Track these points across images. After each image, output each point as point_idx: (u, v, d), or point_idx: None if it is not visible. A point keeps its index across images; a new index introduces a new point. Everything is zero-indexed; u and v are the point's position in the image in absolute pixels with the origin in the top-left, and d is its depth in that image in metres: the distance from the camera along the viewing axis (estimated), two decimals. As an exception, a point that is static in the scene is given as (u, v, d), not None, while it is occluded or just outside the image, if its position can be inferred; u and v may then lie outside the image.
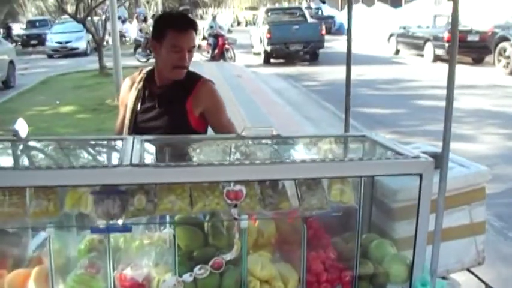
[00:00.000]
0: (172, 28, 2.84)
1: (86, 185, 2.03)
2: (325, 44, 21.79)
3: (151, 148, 2.41)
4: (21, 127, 2.40)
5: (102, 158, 2.71)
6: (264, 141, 2.56)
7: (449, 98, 2.15)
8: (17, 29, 38.83)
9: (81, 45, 27.68)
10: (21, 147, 2.49)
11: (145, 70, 3.07)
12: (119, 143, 2.39)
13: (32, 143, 2.54)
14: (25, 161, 2.48)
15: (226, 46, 22.10)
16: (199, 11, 61.98)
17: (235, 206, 2.08)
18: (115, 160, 2.18)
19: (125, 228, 2.13)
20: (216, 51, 22.08)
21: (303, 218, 2.21)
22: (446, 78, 2.15)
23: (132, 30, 27.80)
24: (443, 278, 2.64)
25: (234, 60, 21.84)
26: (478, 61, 18.38)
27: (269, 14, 23.19)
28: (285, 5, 45.12)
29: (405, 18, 24.43)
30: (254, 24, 28.80)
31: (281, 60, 21.50)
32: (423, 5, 26.87)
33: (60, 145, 2.57)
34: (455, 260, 2.74)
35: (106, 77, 16.60)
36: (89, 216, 2.11)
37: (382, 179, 2.55)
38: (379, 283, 2.33)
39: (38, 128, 9.50)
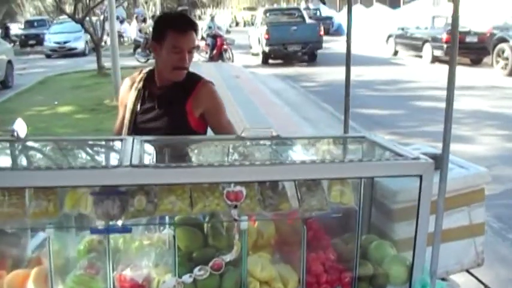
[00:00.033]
0: (172, 29, 2.84)
1: (86, 185, 2.03)
2: (324, 45, 21.83)
3: (151, 149, 2.41)
4: (20, 127, 2.39)
5: (102, 158, 2.71)
6: (263, 142, 2.55)
7: (450, 99, 2.15)
8: (15, 29, 38.80)
9: (80, 45, 27.65)
10: (20, 147, 2.48)
11: (145, 70, 3.07)
12: (118, 144, 2.39)
13: (31, 143, 2.53)
14: (24, 162, 2.48)
15: (225, 47, 22.09)
16: (198, 12, 61.93)
17: (235, 207, 2.07)
18: (115, 161, 2.17)
19: (125, 229, 2.13)
20: (215, 51, 22.07)
21: (303, 219, 2.21)
22: (447, 80, 2.15)
23: (132, 30, 27.80)
24: (443, 279, 2.64)
25: (233, 61, 21.83)
26: (476, 62, 18.40)
27: (267, 14, 23.18)
28: (284, 5, 45.12)
29: (403, 19, 24.45)
30: (252, 24, 28.77)
31: (279, 61, 21.50)
32: (421, 6, 26.90)
33: (59, 145, 2.57)
34: (454, 261, 2.74)
35: (104, 77, 16.58)
36: (88, 217, 2.10)
37: (381, 180, 2.55)
38: (378, 284, 2.33)
39: (36, 128, 9.49)
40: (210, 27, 22.89)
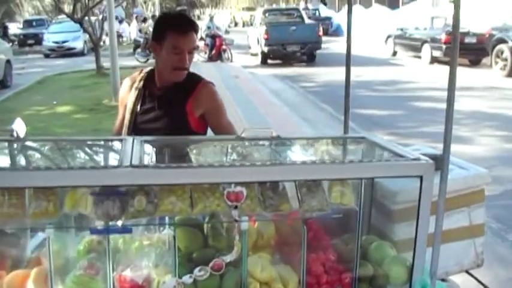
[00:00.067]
0: (173, 29, 2.83)
1: (86, 185, 2.02)
2: (322, 45, 21.85)
3: (151, 149, 2.40)
4: (19, 127, 2.39)
5: (102, 158, 2.70)
6: (263, 142, 2.55)
7: (450, 100, 2.15)
8: (14, 28, 38.79)
9: (78, 45, 27.63)
10: (20, 147, 2.47)
11: (145, 70, 3.06)
12: (118, 144, 2.38)
13: (30, 143, 2.53)
14: (24, 162, 2.47)
15: (224, 47, 22.11)
16: (197, 12, 61.92)
17: (236, 207, 2.07)
18: (115, 161, 2.17)
19: (125, 230, 2.13)
20: (214, 51, 22.08)
21: (303, 220, 2.21)
22: (448, 80, 2.14)
23: (132, 30, 27.77)
24: (442, 280, 2.64)
25: (232, 61, 21.85)
26: (475, 63, 18.42)
27: (266, 14, 23.19)
28: (283, 6, 45.12)
29: (402, 20, 24.47)
30: (251, 25, 28.78)
31: (278, 61, 21.51)
32: (420, 6, 26.91)
33: (59, 146, 2.56)
34: (454, 262, 2.74)
35: (103, 77, 16.58)
36: (88, 217, 2.10)
37: (381, 181, 2.54)
38: (378, 285, 2.33)
39: (35, 128, 9.48)
40: (209, 28, 22.89)
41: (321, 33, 21.47)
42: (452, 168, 2.66)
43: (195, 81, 2.96)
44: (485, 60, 17.90)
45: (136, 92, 2.97)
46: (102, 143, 2.73)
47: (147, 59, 20.46)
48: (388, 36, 23.68)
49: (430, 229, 2.23)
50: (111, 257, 2.13)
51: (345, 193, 2.20)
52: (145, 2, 43.41)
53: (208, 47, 22.23)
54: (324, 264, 2.30)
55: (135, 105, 2.96)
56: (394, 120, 10.68)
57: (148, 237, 2.34)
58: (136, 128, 2.93)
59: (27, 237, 2.46)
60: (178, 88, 2.90)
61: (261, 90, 14.79)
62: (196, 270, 2.11)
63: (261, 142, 2.55)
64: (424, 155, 2.27)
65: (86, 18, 18.00)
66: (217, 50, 22.04)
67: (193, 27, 2.90)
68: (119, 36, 27.15)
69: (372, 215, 2.64)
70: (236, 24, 57.64)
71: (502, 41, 16.31)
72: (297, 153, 2.65)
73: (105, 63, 16.45)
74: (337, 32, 35.40)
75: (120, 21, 33.18)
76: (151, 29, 3.13)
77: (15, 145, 2.45)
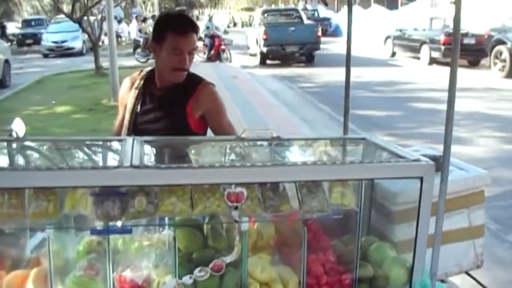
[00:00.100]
0: (173, 30, 2.82)
1: (86, 186, 2.02)
2: (321, 46, 21.84)
3: (151, 149, 2.40)
4: (19, 127, 2.38)
5: (102, 159, 2.70)
6: (263, 143, 2.55)
7: (451, 101, 2.15)
8: (13, 28, 38.74)
9: (77, 45, 27.61)
10: (19, 147, 2.47)
11: (145, 71, 3.06)
12: (119, 144, 2.38)
13: (30, 143, 2.52)
14: (24, 162, 2.47)
15: (223, 47, 22.12)
16: (196, 12, 61.88)
17: (236, 208, 2.07)
18: (115, 161, 2.16)
19: (125, 230, 2.12)
20: (212, 52, 22.10)
21: (303, 221, 2.20)
22: (448, 81, 2.14)
23: (132, 30, 27.74)
24: (442, 281, 2.64)
25: (230, 61, 21.86)
26: (474, 64, 18.43)
27: (265, 15, 23.19)
28: (281, 6, 45.12)
29: (401, 21, 24.48)
30: (250, 25, 28.79)
31: (277, 62, 21.51)
32: (419, 7, 26.92)
33: (59, 146, 2.55)
34: (454, 263, 2.74)
35: (102, 77, 16.58)
36: (87, 218, 2.10)
37: (381, 182, 2.54)
38: (378, 286, 2.32)
39: (34, 128, 9.47)
40: (208, 28, 22.90)
41: (319, 33, 21.48)
42: (452, 170, 2.65)
43: (195, 82, 2.95)
44: (484, 61, 17.92)
45: (136, 92, 2.97)
46: (102, 143, 2.72)
47: (147, 59, 20.45)
48: (387, 37, 23.69)
49: (430, 230, 2.23)
50: (111, 258, 2.13)
51: (345, 194, 2.20)
52: (144, 2, 43.42)
53: (207, 47, 22.24)
54: (323, 265, 2.30)
55: (135, 105, 2.95)
56: (392, 121, 10.68)
57: (148, 238, 2.33)
58: (136, 128, 2.93)
59: (26, 238, 2.45)
60: (179, 89, 2.89)
61: (260, 91, 14.80)
62: (196, 271, 2.11)
63: (261, 143, 2.55)
64: (424, 156, 2.27)
65: (85, 18, 18.01)
66: (216, 50, 22.06)
67: (194, 28, 2.89)
68: (118, 36, 27.12)
69: (372, 216, 2.63)
70: (235, 25, 57.65)
71: (501, 42, 16.33)
72: (297, 154, 2.64)
73: (104, 63, 16.46)
74: (336, 33, 35.41)
75: (119, 21, 33.17)
76: (151, 29, 3.13)
77: (14, 145, 2.45)
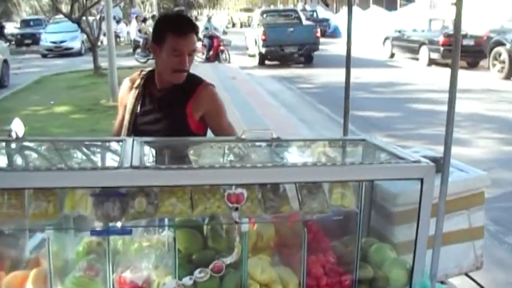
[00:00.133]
0: (172, 32, 2.80)
1: (86, 187, 2.01)
2: (320, 47, 21.85)
3: (151, 150, 2.40)
4: (18, 127, 2.37)
5: (102, 159, 2.69)
6: (263, 144, 2.55)
7: (451, 103, 2.15)
8: (11, 28, 38.69)
9: (76, 45, 27.59)
10: (18, 147, 2.46)
11: (145, 71, 3.05)
12: (119, 145, 2.38)
13: (29, 144, 2.51)
14: (23, 162, 2.46)
15: (221, 47, 22.11)
16: (194, 12, 61.92)
17: (236, 209, 2.07)
18: (115, 162, 2.16)
19: (125, 231, 2.12)
20: (211, 52, 22.08)
21: (304, 222, 2.20)
22: (449, 83, 2.14)
23: (132, 30, 27.70)
24: (442, 282, 2.64)
25: (229, 62, 21.85)
26: (472, 65, 18.43)
27: (264, 16, 23.18)
28: (280, 7, 45.12)
29: (400, 22, 24.47)
30: (249, 25, 28.78)
31: (276, 62, 21.50)
32: (418, 8, 26.94)
33: (59, 146, 2.55)
34: (453, 265, 2.74)
35: (101, 77, 16.57)
36: (87, 218, 2.09)
37: (381, 183, 2.55)
38: (378, 287, 2.32)
39: (33, 128, 9.46)
40: (206, 28, 22.88)
41: (318, 34, 21.50)
42: (452, 171, 2.65)
43: (195, 83, 2.94)
44: (483, 63, 17.94)
45: (136, 93, 2.96)
46: (102, 143, 2.72)
47: (147, 60, 20.43)
48: (386, 38, 23.70)
49: (430, 231, 2.23)
50: (111, 259, 2.12)
51: (345, 195, 2.20)
52: (142, 2, 43.42)
53: (206, 47, 22.22)
54: (324, 266, 2.30)
55: (134, 106, 2.95)
56: (391, 122, 10.68)
57: (148, 239, 2.33)
58: (136, 129, 2.92)
59: (25, 238, 2.45)
60: (179, 90, 2.88)
61: (259, 91, 14.79)
62: (196, 272, 2.11)
63: (261, 144, 2.55)
64: (424, 157, 2.27)
65: (84, 18, 18.00)
66: (214, 51, 22.05)
67: (194, 29, 2.88)
68: (117, 36, 27.10)
69: (372, 217, 2.64)
70: (234, 25, 57.59)
71: (500, 43, 16.34)
72: (297, 155, 2.64)
73: (103, 63, 16.44)
74: (334, 34, 35.40)
75: (118, 22, 33.14)
76: (151, 29, 3.12)
77: (14, 145, 2.44)
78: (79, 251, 2.27)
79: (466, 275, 2.87)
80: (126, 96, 3.01)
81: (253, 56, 22.84)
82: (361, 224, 2.28)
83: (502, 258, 4.94)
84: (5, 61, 16.74)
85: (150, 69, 3.04)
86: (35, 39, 31.15)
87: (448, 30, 18.22)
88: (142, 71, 3.09)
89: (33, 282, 2.11)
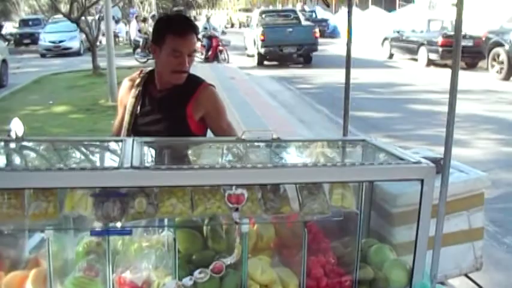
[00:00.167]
0: (172, 32, 2.79)
1: (86, 187, 2.01)
2: (319, 47, 21.84)
3: (151, 150, 2.40)
4: (17, 127, 2.36)
5: (102, 160, 2.69)
6: (263, 144, 2.55)
7: (452, 104, 2.15)
8: (10, 27, 38.67)
9: (75, 44, 27.56)
10: (18, 147, 2.45)
11: (145, 71, 3.04)
12: (119, 145, 2.37)
13: (30, 144, 2.51)
14: (24, 162, 2.45)
15: (220, 48, 22.10)
16: (193, 12, 61.91)
17: (237, 209, 2.07)
18: (115, 162, 2.16)
19: (125, 231, 2.12)
20: (210, 52, 22.08)
21: (304, 223, 2.20)
22: (449, 84, 2.14)
23: (131, 30, 27.67)
24: (441, 283, 2.64)
25: (228, 62, 21.83)
26: (471, 66, 18.43)
27: (263, 16, 23.18)
28: (279, 7, 45.13)
29: (399, 22, 24.48)
30: (248, 26, 28.78)
31: (275, 63, 21.49)
32: (417, 9, 26.95)
33: (58, 146, 2.55)
34: (453, 266, 2.74)
35: (99, 77, 16.55)
36: (87, 219, 2.09)
37: (381, 184, 2.55)
38: (378, 288, 2.33)
39: (31, 128, 9.43)
40: (205, 28, 22.87)
41: (317, 35, 21.49)
42: (452, 172, 2.66)
43: (195, 84, 2.93)
44: (482, 64, 17.95)
45: (136, 93, 2.95)
46: (102, 144, 2.71)
47: (147, 60, 20.41)
48: (385, 39, 23.70)
49: (430, 232, 2.23)
50: (111, 259, 2.12)
51: (346, 196, 2.20)
52: (141, 2, 43.35)
53: (204, 47, 22.21)
54: (324, 267, 2.30)
55: (134, 106, 2.93)
56: (390, 123, 10.68)
57: (148, 239, 2.33)
58: (136, 129, 2.91)
59: (25, 238, 2.44)
60: (179, 91, 2.87)
61: (258, 92, 14.77)
62: (196, 273, 2.11)
63: (261, 144, 2.55)
64: (424, 158, 2.27)
65: (83, 18, 17.99)
66: (213, 51, 22.04)
67: (193, 30, 2.88)
68: (115, 36, 27.09)
69: (372, 218, 2.64)
70: (233, 25, 57.55)
71: (499, 44, 16.36)
72: (297, 156, 2.64)
73: (102, 63, 16.42)
74: (333, 34, 35.38)
75: (117, 21, 33.13)
76: (151, 29, 3.11)
77: (14, 145, 2.43)
78: (79, 251, 2.27)
79: (466, 275, 2.87)
80: (126, 96, 3.00)
81: (252, 56, 22.83)
82: (361, 225, 2.28)
83: (501, 259, 4.94)
84: (4, 61, 16.71)
85: (150, 69, 3.03)
86: (34, 39, 31.12)
87: (447, 31, 18.24)
88: (142, 70, 3.08)
89: (32, 283, 2.11)
